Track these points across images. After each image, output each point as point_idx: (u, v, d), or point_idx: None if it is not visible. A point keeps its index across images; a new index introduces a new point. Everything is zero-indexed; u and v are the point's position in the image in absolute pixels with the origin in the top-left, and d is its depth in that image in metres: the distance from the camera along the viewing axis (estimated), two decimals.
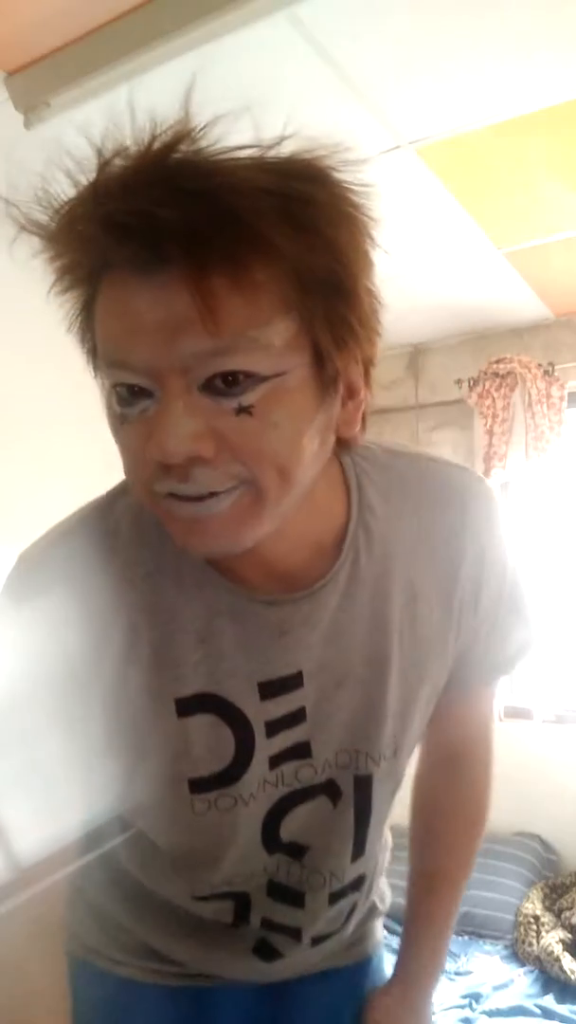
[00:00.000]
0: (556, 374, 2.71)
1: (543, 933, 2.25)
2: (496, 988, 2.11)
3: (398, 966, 0.89)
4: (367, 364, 0.58)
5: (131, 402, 0.52)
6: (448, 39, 1.45)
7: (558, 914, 2.35)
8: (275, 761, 0.69)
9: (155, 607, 0.64)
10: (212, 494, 0.52)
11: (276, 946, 0.79)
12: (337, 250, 0.51)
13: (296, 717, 0.68)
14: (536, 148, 1.81)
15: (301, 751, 0.69)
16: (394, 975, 0.89)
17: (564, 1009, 2.00)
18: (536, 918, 2.30)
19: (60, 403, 2.26)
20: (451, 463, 0.74)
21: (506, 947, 2.32)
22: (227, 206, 0.46)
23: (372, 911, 0.89)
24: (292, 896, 0.76)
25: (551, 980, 2.14)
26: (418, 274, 2.44)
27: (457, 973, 2.19)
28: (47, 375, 2.24)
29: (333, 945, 0.82)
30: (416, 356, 3.06)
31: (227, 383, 0.50)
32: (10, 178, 0.51)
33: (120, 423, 0.53)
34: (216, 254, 0.47)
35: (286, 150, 0.51)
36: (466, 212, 2.08)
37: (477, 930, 2.36)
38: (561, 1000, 2.05)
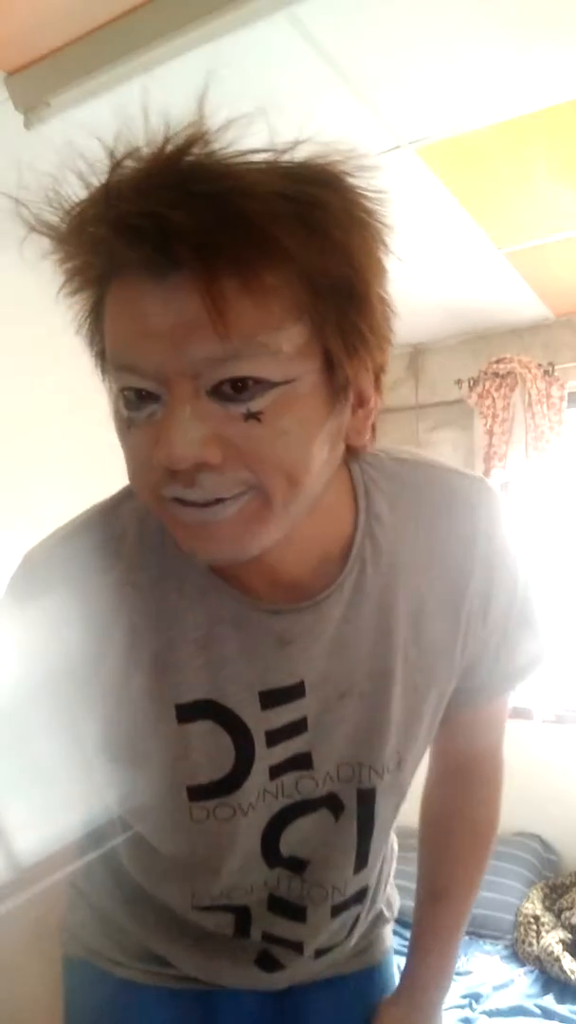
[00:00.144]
0: (556, 374, 2.71)
1: (543, 933, 2.25)
2: (496, 988, 2.11)
3: (406, 976, 0.88)
4: (377, 371, 0.57)
5: (138, 406, 0.51)
6: (448, 39, 1.45)
7: (558, 914, 2.35)
8: (275, 771, 0.68)
9: (158, 612, 0.64)
10: (219, 500, 0.51)
11: (278, 958, 0.78)
12: (350, 255, 0.50)
13: (297, 727, 0.67)
14: (536, 148, 1.80)
15: (302, 762, 0.69)
16: (402, 985, 0.88)
17: (564, 1009, 1.99)
18: (536, 918, 2.30)
19: (61, 404, 2.27)
20: (461, 471, 0.73)
21: (506, 947, 2.32)
22: (239, 209, 0.46)
23: (378, 919, 0.88)
24: (293, 910, 0.75)
25: (551, 980, 2.14)
26: (418, 274, 2.44)
27: (457, 973, 2.19)
28: (48, 376, 2.24)
29: (337, 955, 0.81)
30: (416, 356, 3.06)
31: (236, 389, 0.49)
32: (20, 179, 0.51)
33: (127, 427, 0.53)
34: (228, 258, 0.46)
35: (299, 154, 0.50)
36: (466, 212, 2.08)
37: (477, 930, 2.36)
38: (561, 1000, 2.05)
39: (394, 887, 0.91)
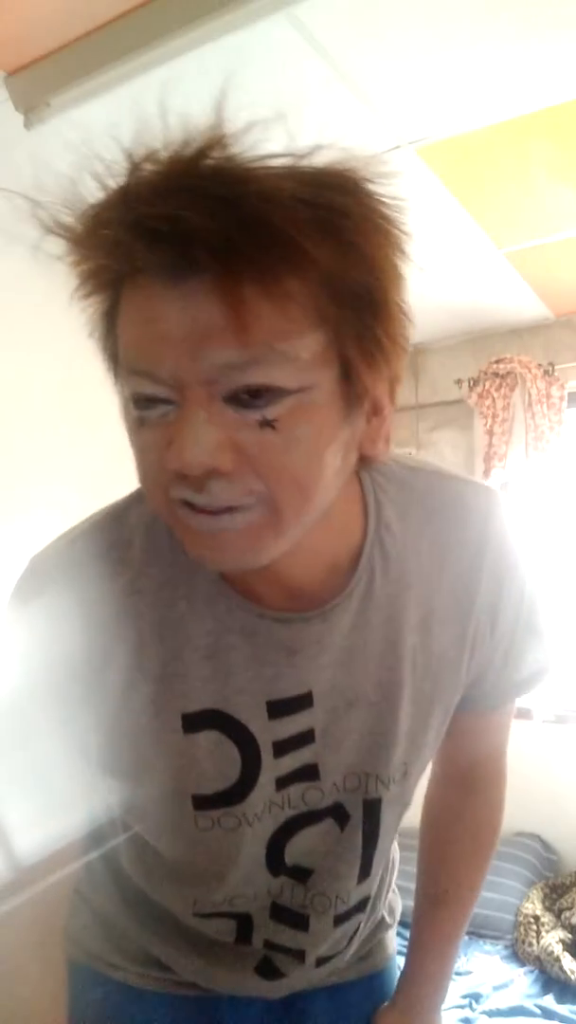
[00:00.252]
0: (556, 374, 2.71)
1: (543, 933, 2.25)
2: (496, 988, 2.11)
3: (404, 980, 0.87)
4: (392, 380, 0.56)
5: (151, 406, 0.50)
6: (448, 39, 1.45)
7: (558, 914, 2.35)
8: (282, 782, 0.67)
9: (164, 620, 0.63)
10: (228, 509, 0.50)
11: (279, 966, 0.77)
12: (370, 263, 0.50)
13: (304, 738, 0.67)
14: (536, 148, 1.80)
15: (309, 773, 0.68)
16: (400, 989, 0.87)
17: (564, 1009, 1.99)
18: (536, 918, 2.30)
19: (60, 403, 2.27)
20: (471, 480, 0.72)
21: (506, 947, 2.32)
22: (261, 214, 0.45)
23: (380, 926, 0.87)
24: (296, 919, 0.75)
25: (551, 980, 2.14)
26: (418, 274, 2.44)
27: (457, 973, 2.19)
28: (47, 376, 2.24)
29: (337, 963, 0.81)
30: (416, 356, 3.06)
31: (252, 395, 0.48)
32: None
33: (138, 426, 0.52)
34: (248, 263, 0.45)
35: (317, 160, 0.50)
36: (466, 212, 2.08)
37: (477, 930, 2.36)
38: (561, 1000, 2.05)
39: (396, 892, 0.91)
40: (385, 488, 0.67)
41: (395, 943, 0.92)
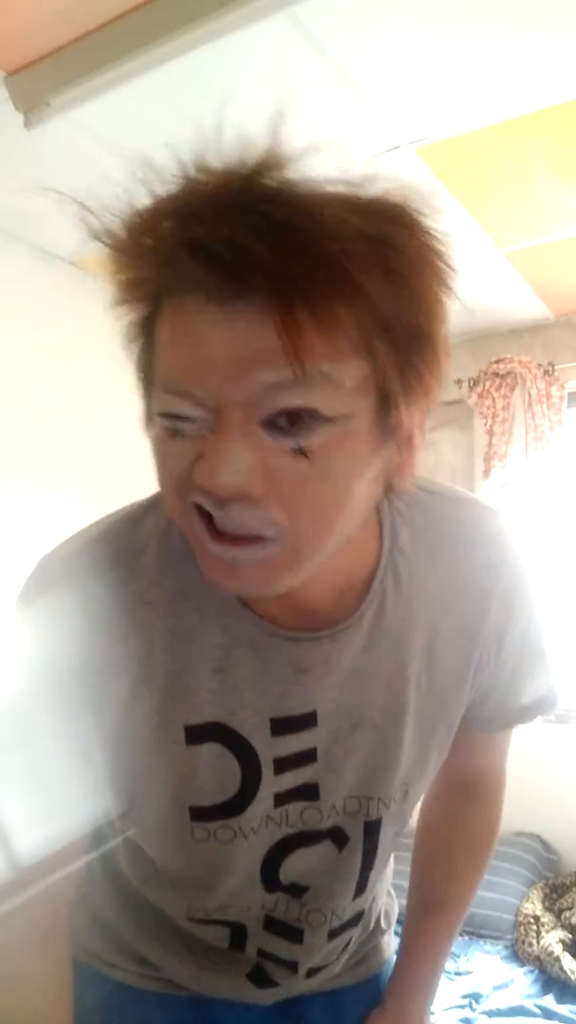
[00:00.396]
0: (556, 374, 2.71)
1: (543, 933, 2.25)
2: (496, 988, 2.11)
3: (393, 984, 0.87)
4: (425, 412, 0.56)
5: (183, 421, 0.50)
6: (448, 39, 1.45)
7: (558, 914, 2.35)
8: (281, 799, 0.67)
9: (174, 631, 0.63)
10: (246, 540, 0.50)
11: (271, 974, 0.78)
12: (421, 299, 0.50)
13: (306, 756, 0.66)
14: (536, 148, 1.81)
15: (309, 792, 0.68)
16: (389, 993, 0.87)
17: (564, 1009, 1.99)
18: (536, 918, 2.30)
19: (60, 403, 2.27)
20: (484, 504, 0.72)
21: (506, 947, 2.32)
22: (320, 245, 0.45)
23: (375, 931, 0.87)
24: (290, 932, 0.75)
25: (551, 980, 2.14)
26: None
27: (457, 973, 2.19)
28: (47, 376, 2.24)
29: (328, 973, 0.81)
30: None
31: (290, 421, 0.48)
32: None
33: (169, 436, 0.51)
34: (302, 290, 0.45)
35: (373, 188, 0.50)
36: (467, 212, 2.08)
37: (477, 930, 2.36)
38: (561, 1000, 2.05)
39: (392, 896, 0.91)
40: (401, 511, 0.67)
41: (392, 947, 0.91)
